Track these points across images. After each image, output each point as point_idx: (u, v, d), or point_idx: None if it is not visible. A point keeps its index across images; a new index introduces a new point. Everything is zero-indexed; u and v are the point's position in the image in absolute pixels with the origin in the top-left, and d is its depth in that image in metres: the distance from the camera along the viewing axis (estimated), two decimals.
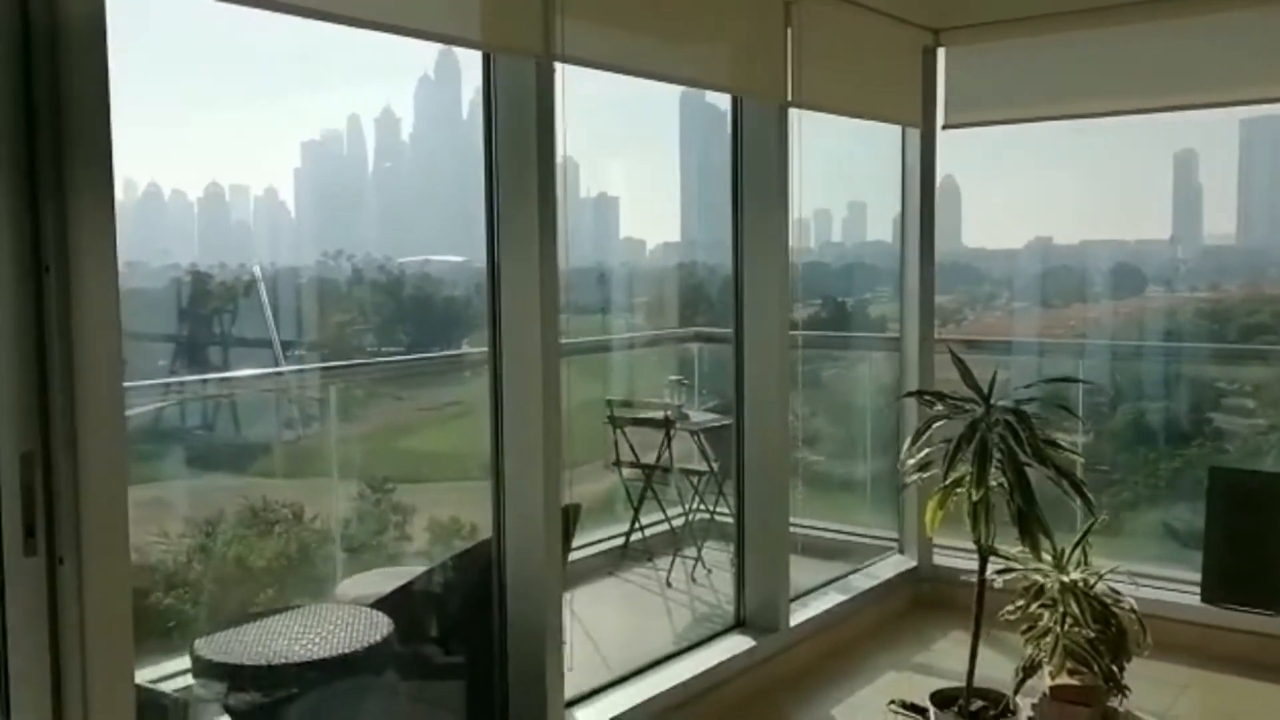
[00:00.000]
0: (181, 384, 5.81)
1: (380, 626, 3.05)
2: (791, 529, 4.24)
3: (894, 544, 5.07)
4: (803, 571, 4.44)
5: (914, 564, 4.96)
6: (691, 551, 5.15)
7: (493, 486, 3.18)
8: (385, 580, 3.49)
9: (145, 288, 6.67)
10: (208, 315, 6.54)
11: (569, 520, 3.38)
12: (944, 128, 4.81)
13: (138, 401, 5.32)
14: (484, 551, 3.25)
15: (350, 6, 2.63)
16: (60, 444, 2.13)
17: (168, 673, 3.28)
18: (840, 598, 4.53)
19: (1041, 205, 6.53)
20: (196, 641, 2.95)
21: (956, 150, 4.98)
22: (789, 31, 3.96)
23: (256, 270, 6.14)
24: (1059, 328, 7.05)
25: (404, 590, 3.32)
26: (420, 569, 3.63)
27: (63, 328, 2.12)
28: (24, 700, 2.18)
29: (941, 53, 4.79)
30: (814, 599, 4.47)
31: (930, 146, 4.85)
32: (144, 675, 2.99)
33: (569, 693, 3.32)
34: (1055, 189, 6.33)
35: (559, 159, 3.10)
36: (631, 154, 7.06)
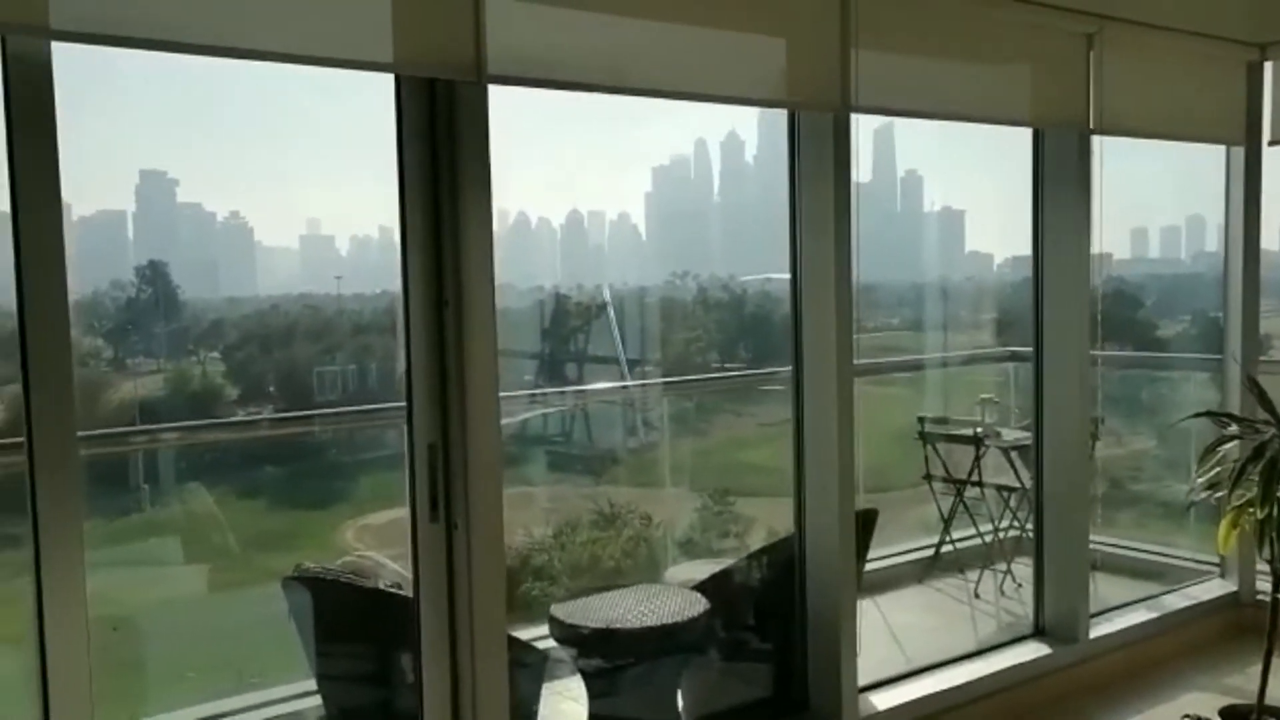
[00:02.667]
0: (544, 396, 6.67)
1: (698, 604, 3.57)
2: (1106, 548, 4.33)
3: (1215, 568, 4.95)
4: (1113, 588, 4.50)
5: (1234, 589, 4.82)
6: (1001, 565, 5.30)
7: (794, 490, 3.62)
8: (704, 568, 4.03)
9: (515, 308, 7.69)
10: (565, 334, 7.40)
11: (864, 524, 3.74)
12: (1270, 144, 4.66)
13: (507, 411, 6.23)
14: (788, 547, 3.70)
15: (672, 82, 3.17)
16: (455, 437, 2.83)
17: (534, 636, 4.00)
18: (1149, 615, 4.54)
19: None
20: (553, 606, 3.62)
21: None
22: (1090, 59, 4.08)
23: (606, 293, 6.91)
24: None
25: (719, 576, 3.83)
26: (733, 560, 4.11)
27: (456, 349, 2.81)
28: (429, 634, 2.89)
29: (1269, 67, 4.64)
30: (1120, 615, 4.52)
31: (1255, 163, 4.70)
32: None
33: (864, 679, 3.70)
34: None
35: (853, 203, 3.50)
36: (982, 166, 7.05)
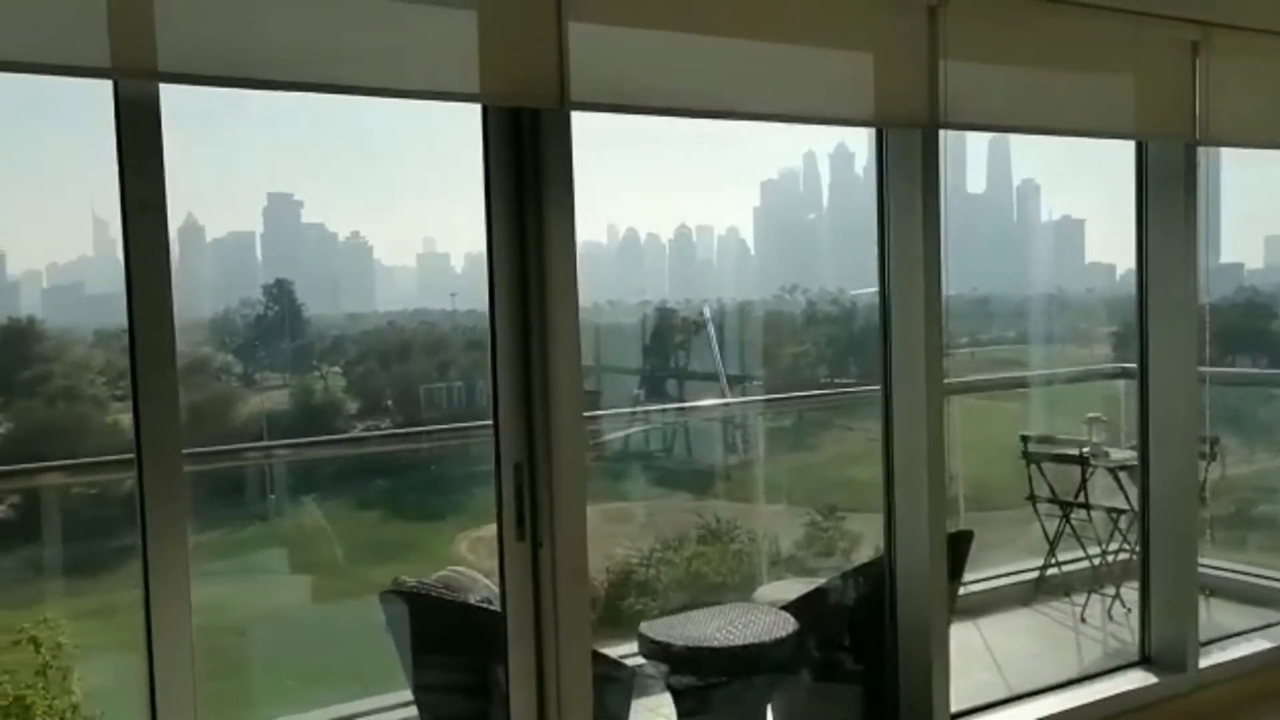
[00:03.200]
0: (645, 412, 6.74)
1: (787, 624, 3.56)
2: (1222, 573, 4.15)
3: None
4: (1228, 615, 4.31)
5: None
6: (1109, 589, 5.12)
7: (884, 510, 3.58)
8: (795, 587, 4.02)
9: (622, 323, 7.80)
10: (667, 349, 7.46)
11: (958, 546, 3.68)
12: None
13: (612, 428, 6.33)
14: (879, 567, 3.66)
15: (755, 104, 3.19)
16: (541, 456, 2.90)
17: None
18: (1265, 645, 4.32)
19: None
20: (642, 624, 3.66)
21: None
22: (1195, 67, 3.94)
23: (706, 311, 6.95)
24: None
25: (810, 596, 3.81)
26: (823, 579, 4.08)
27: (541, 371, 2.88)
28: (516, 649, 2.96)
29: None
30: (1234, 644, 4.32)
31: None
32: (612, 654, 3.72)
33: (962, 704, 3.63)
34: None
35: (943, 218, 3.46)
36: (1103, 173, 6.87)
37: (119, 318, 2.48)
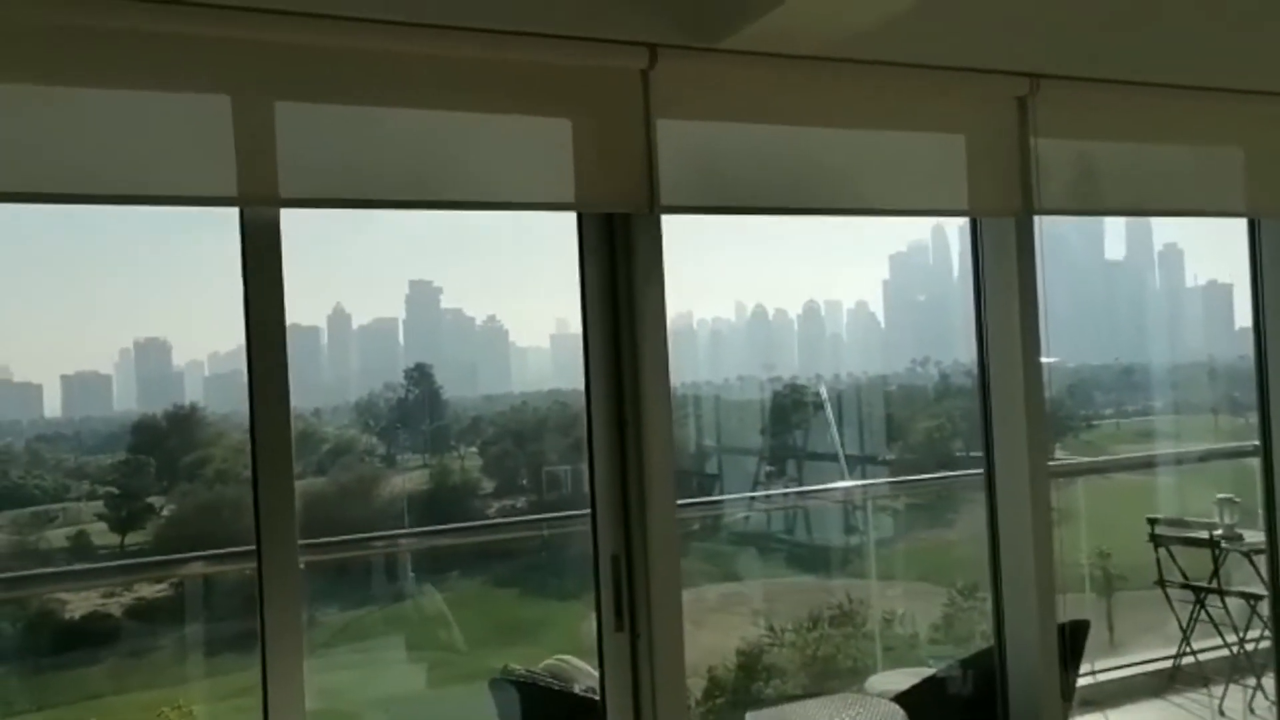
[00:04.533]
0: (769, 494, 6.72)
1: (895, 718, 3.51)
2: None
3: None
4: None
5: None
6: (1250, 680, 4.82)
7: (992, 600, 3.51)
8: (906, 677, 3.95)
9: (752, 399, 7.82)
10: (792, 426, 7.45)
11: (1074, 636, 3.57)
12: None
13: (733, 509, 6.35)
14: (990, 657, 3.58)
15: (845, 199, 3.25)
16: (636, 549, 2.99)
17: None
18: None
19: None
20: (749, 714, 3.67)
21: None
22: None
23: (823, 390, 6.94)
24: None
25: (921, 686, 3.75)
26: (931, 669, 4.00)
27: (636, 466, 2.98)
28: None
29: None
30: None
31: None
32: None
33: None
34: None
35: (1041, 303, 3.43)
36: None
37: None
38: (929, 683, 3.80)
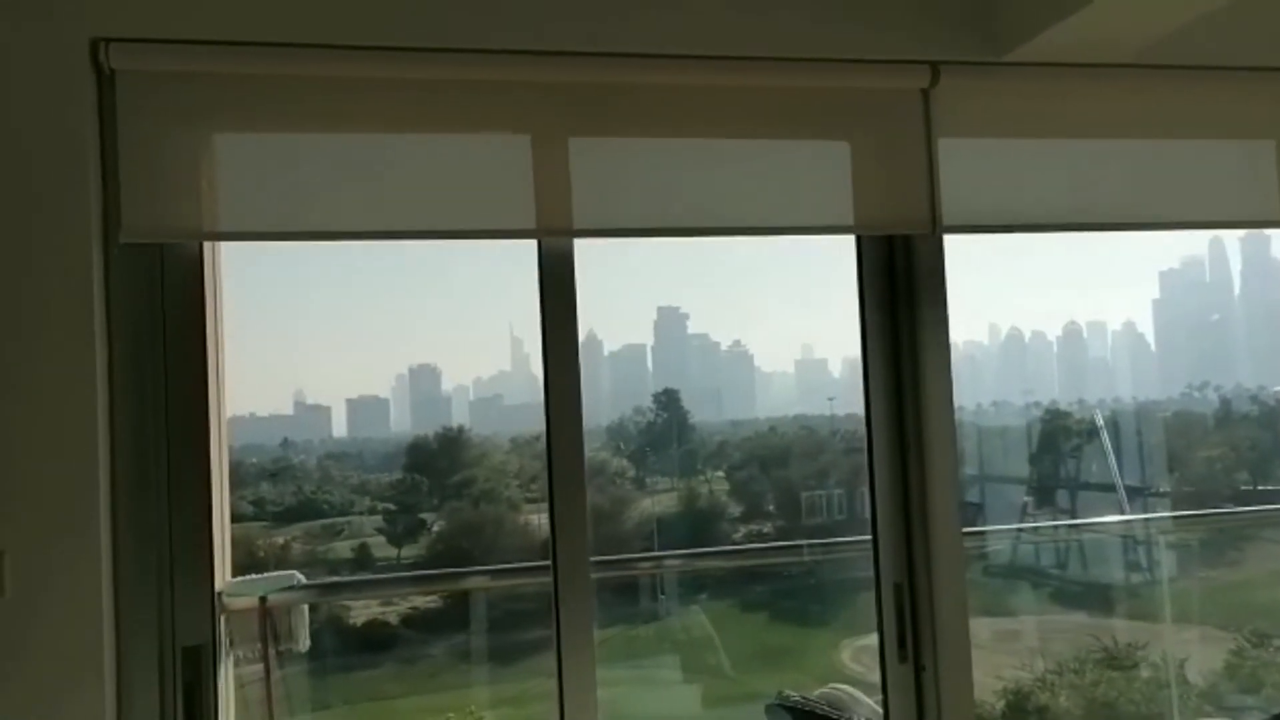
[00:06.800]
0: (1036, 527, 6.42)
1: None
2: None
3: None
4: None
5: None
6: None
7: None
8: None
9: (1009, 426, 7.52)
10: (1060, 455, 7.09)
11: None
12: None
13: (997, 541, 6.10)
14: None
15: (1136, 212, 3.08)
16: (920, 576, 2.92)
17: None
18: None
19: None
20: None
21: None
22: None
23: (1098, 416, 6.56)
24: None
25: None
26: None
27: (919, 492, 2.92)
28: None
29: None
30: None
31: None
32: None
33: None
34: None
35: None
36: None
37: (530, 426, 2.84)
38: None
